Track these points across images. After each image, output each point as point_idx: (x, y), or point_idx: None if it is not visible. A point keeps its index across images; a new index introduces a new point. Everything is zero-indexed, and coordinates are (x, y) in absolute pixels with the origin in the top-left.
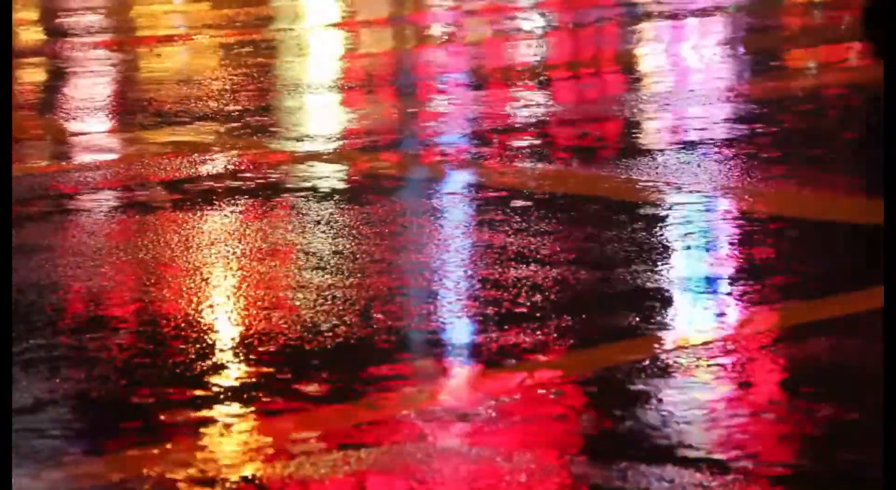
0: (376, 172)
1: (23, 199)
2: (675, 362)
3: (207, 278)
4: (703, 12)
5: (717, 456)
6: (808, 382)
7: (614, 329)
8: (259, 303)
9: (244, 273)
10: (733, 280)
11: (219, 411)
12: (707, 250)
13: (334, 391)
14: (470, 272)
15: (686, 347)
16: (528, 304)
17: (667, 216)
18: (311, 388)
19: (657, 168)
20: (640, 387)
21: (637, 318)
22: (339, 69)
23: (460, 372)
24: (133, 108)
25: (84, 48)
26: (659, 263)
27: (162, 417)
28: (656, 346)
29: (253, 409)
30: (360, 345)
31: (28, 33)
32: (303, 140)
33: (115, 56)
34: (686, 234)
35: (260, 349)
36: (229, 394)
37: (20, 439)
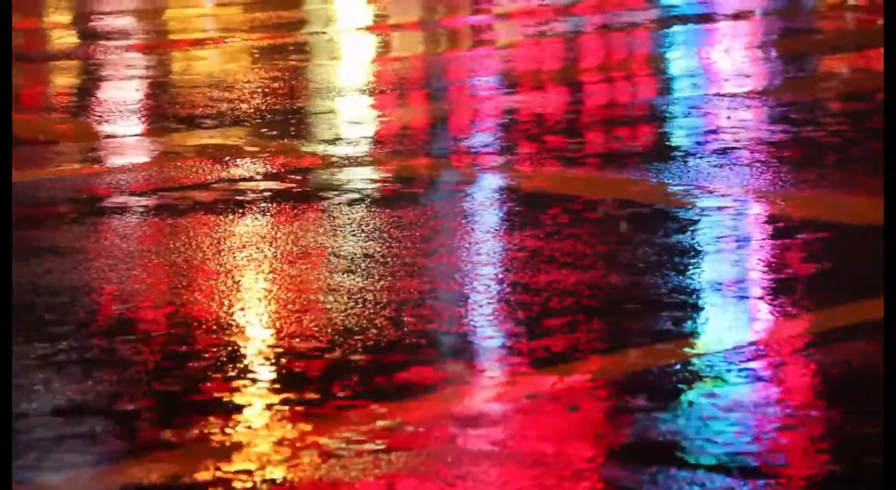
0: (408, 176)
1: (55, 202)
2: (706, 367)
3: (239, 281)
4: (735, 16)
5: (747, 461)
6: (839, 387)
7: (645, 333)
8: (290, 306)
9: (275, 276)
10: (765, 284)
11: (250, 414)
12: (739, 254)
13: (365, 394)
14: (501, 276)
15: (717, 352)
16: (559, 307)
17: (698, 220)
18: (342, 392)
19: (689, 172)
20: (671, 391)
21: (668, 322)
22: (370, 72)
23: (491, 375)
24: (165, 111)
25: (117, 51)
26: (690, 267)
27: (193, 420)
28: (687, 350)
29: (284, 411)
30: (390, 348)
31: (61, 36)
32: (335, 143)
33: (148, 59)
34: (718, 238)
35: (290, 352)
36: (260, 396)
37: (53, 441)
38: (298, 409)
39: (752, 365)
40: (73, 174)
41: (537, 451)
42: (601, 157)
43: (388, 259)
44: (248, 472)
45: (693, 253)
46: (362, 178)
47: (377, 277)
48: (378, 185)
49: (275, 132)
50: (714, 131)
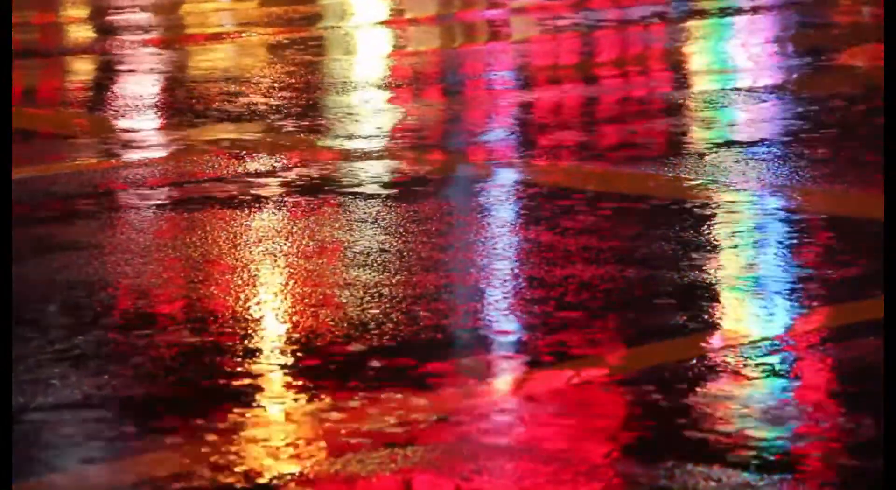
0: (423, 170)
1: (72, 196)
2: (722, 361)
3: (255, 276)
4: (752, 9)
5: (764, 456)
6: (855, 382)
7: (661, 328)
8: (306, 300)
9: (291, 270)
10: (781, 279)
11: (266, 408)
12: (755, 249)
13: (381, 389)
14: (516, 270)
15: (733, 347)
16: (575, 302)
17: (714, 215)
18: (358, 386)
19: (705, 166)
20: (687, 386)
21: (684, 317)
22: (386, 67)
23: (507, 370)
24: (181, 105)
25: (133, 46)
26: (706, 262)
27: (209, 414)
28: (703, 345)
29: (300, 406)
30: (406, 343)
31: (78, 31)
32: (350, 138)
33: (165, 54)
34: (734, 233)
35: (306, 346)
36: (276, 391)
37: (69, 435)
38: (314, 403)
39: (768, 360)
40: (90, 169)
41: (553, 446)
42: (617, 152)
43: (404, 254)
44: (265, 467)
45: (709, 248)
46: (378, 172)
47: (393, 272)
48: (394, 179)
49: (291, 127)
50: (731, 126)
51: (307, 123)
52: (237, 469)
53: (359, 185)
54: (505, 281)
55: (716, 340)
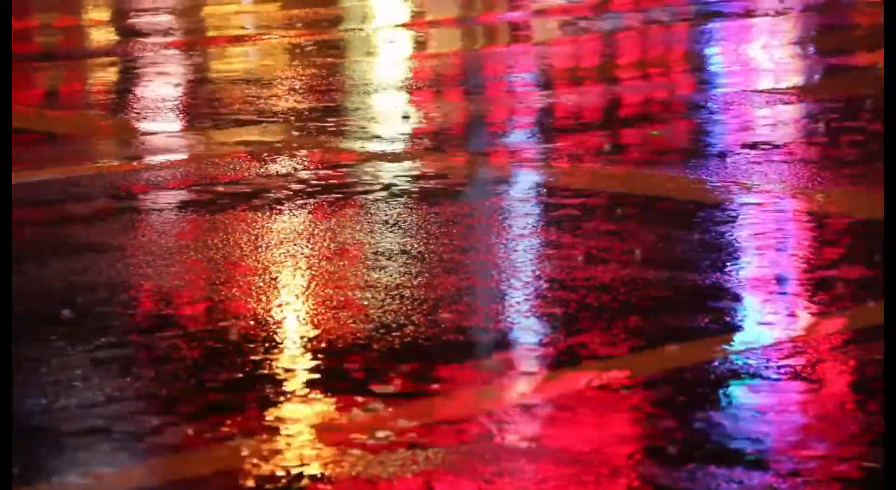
0: (444, 172)
1: (94, 198)
2: (744, 363)
3: (276, 277)
4: (773, 12)
5: (786, 458)
6: (877, 384)
7: (683, 329)
8: (328, 302)
9: (313, 272)
10: (803, 281)
11: (287, 410)
12: (776, 251)
13: (402, 391)
14: (538, 272)
15: (755, 348)
16: (597, 304)
17: (736, 217)
18: (379, 388)
19: (726, 168)
20: (709, 388)
21: (706, 319)
22: (407, 69)
23: (527, 372)
24: (203, 108)
25: (155, 48)
26: (728, 264)
27: (231, 416)
28: (725, 346)
29: (321, 408)
30: (427, 344)
31: (99, 33)
32: (371, 140)
33: (186, 56)
34: (755, 235)
35: (328, 348)
36: (298, 393)
37: (91, 437)
38: (336, 405)
39: (789, 362)
40: (112, 171)
41: (574, 448)
42: (638, 154)
43: (426, 255)
44: (287, 469)
45: (730, 249)
46: (399, 174)
47: (414, 274)
48: (415, 181)
49: (312, 129)
50: (752, 127)
51: (328, 125)
52: (258, 471)
53: (380, 187)
54: (526, 283)
55: (737, 342)
